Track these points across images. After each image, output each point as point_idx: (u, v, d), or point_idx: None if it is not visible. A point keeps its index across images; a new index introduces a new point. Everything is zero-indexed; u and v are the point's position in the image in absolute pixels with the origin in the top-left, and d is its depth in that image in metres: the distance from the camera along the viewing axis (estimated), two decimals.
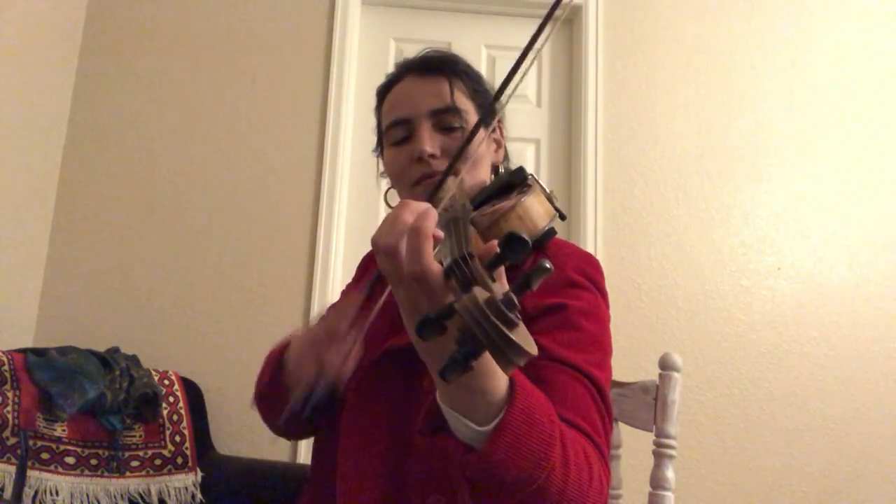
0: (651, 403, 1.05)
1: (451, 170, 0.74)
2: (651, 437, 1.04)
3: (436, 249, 0.52)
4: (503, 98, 0.74)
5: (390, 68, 0.92)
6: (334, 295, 2.22)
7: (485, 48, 2.51)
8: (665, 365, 1.05)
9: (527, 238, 0.43)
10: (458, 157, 0.75)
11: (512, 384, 0.56)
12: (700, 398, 2.24)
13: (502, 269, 0.50)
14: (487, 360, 0.52)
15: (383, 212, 2.37)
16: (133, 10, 2.39)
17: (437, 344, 0.50)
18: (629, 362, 2.21)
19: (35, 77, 2.12)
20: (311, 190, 2.30)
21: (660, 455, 1.03)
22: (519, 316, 0.42)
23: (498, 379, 0.54)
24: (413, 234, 0.51)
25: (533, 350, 0.42)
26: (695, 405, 2.23)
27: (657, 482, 1.02)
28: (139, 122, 2.32)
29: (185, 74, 2.36)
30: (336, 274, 2.25)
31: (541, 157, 2.46)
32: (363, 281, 0.88)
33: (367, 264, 1.14)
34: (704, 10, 2.52)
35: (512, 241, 0.43)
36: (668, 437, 1.02)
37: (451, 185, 0.75)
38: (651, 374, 1.08)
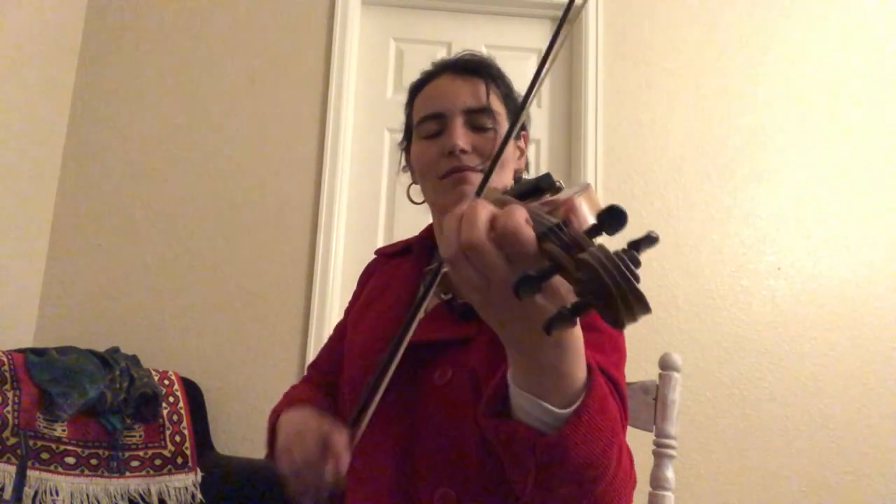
0: (651, 403, 1.05)
1: (493, 170, 0.73)
2: (651, 437, 1.04)
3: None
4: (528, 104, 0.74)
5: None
6: (334, 295, 2.22)
7: (485, 48, 2.50)
8: (665, 365, 1.05)
9: (625, 210, 0.43)
10: (500, 153, 0.74)
11: (590, 370, 0.56)
12: (700, 398, 2.24)
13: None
14: (577, 339, 0.53)
15: (384, 212, 2.37)
16: (133, 10, 2.39)
17: (530, 308, 0.48)
18: (629, 362, 2.19)
19: (35, 78, 2.12)
20: (311, 190, 2.30)
21: (660, 455, 1.03)
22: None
23: (581, 364, 0.55)
24: (505, 229, 0.48)
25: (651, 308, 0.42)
26: (695, 405, 2.23)
27: (657, 482, 1.02)
28: (139, 122, 2.32)
29: (185, 74, 2.36)
30: (336, 274, 2.25)
31: (541, 157, 2.46)
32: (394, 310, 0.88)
33: (369, 274, 1.13)
34: (704, 11, 2.52)
35: (613, 212, 0.43)
36: (668, 437, 1.02)
37: (481, 184, 0.74)
38: (651, 374, 1.08)
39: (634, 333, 2.24)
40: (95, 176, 2.28)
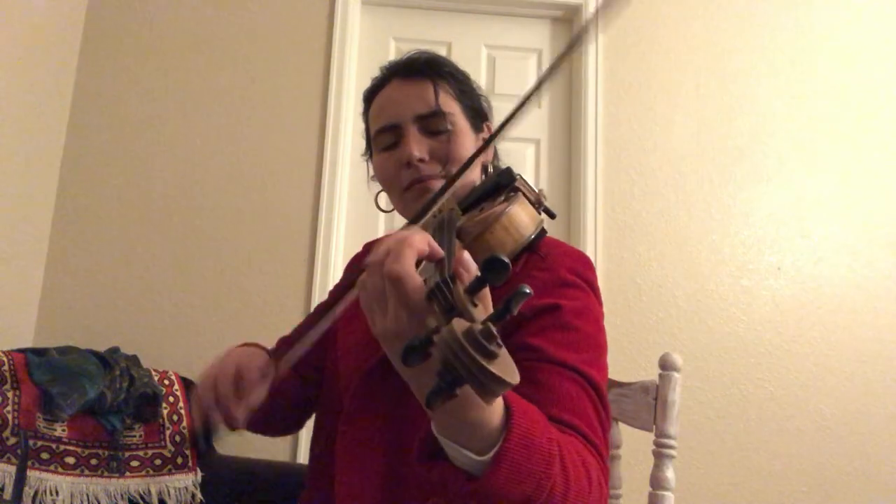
0: (651, 403, 1.05)
1: (446, 190, 0.74)
2: (651, 437, 1.04)
3: (419, 268, 0.52)
4: (504, 130, 0.73)
5: (371, 80, 0.92)
6: None
7: (485, 48, 2.51)
8: (665, 365, 1.05)
9: (507, 260, 0.43)
10: (453, 180, 0.75)
11: (507, 407, 0.55)
12: (700, 398, 2.24)
13: (486, 290, 0.50)
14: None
15: (381, 212, 2.37)
16: (133, 10, 2.39)
17: (423, 371, 0.49)
18: (629, 362, 2.21)
19: (35, 77, 2.12)
20: (311, 190, 2.30)
21: (660, 455, 1.03)
22: (500, 344, 0.42)
23: (493, 409, 0.54)
24: (398, 242, 0.51)
25: (514, 379, 0.42)
26: (695, 405, 2.23)
27: (657, 482, 1.02)
28: (139, 122, 2.32)
29: (185, 74, 2.36)
30: (336, 274, 2.25)
31: (541, 157, 2.46)
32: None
33: (359, 265, 1.12)
34: (704, 11, 2.52)
35: (493, 265, 0.44)
36: (668, 437, 1.02)
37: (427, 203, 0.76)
38: (651, 374, 1.08)
39: (634, 333, 2.25)
40: (95, 176, 2.28)
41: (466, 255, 0.53)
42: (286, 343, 1.11)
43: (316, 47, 2.39)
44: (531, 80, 2.51)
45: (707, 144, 2.43)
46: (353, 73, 2.40)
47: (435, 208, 0.73)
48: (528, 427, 0.56)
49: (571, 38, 0.74)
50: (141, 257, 2.23)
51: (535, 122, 2.48)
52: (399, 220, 2.51)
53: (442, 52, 2.46)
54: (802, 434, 2.25)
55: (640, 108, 2.44)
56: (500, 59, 2.49)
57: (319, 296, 2.20)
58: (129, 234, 2.25)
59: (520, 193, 0.79)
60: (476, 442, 0.54)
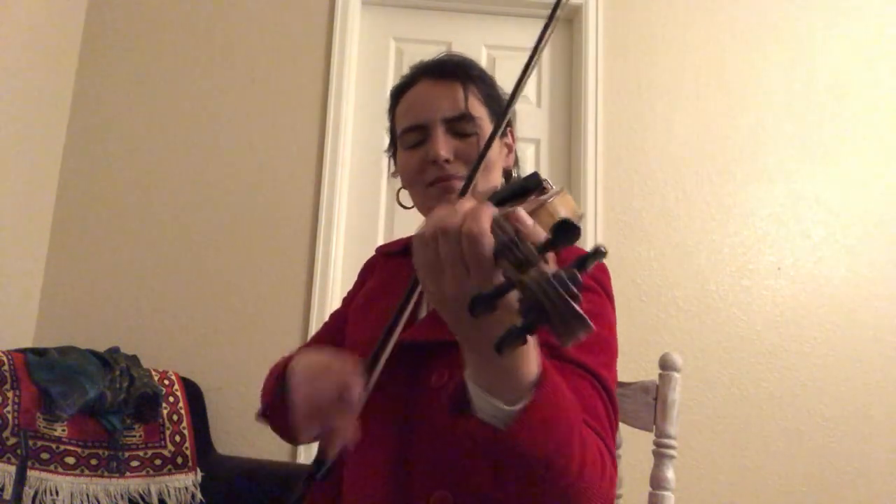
0: (651, 403, 1.05)
1: (474, 177, 0.74)
2: (651, 437, 1.04)
3: None
4: (514, 102, 0.75)
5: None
6: (334, 295, 2.22)
7: (485, 48, 2.51)
8: (665, 365, 1.05)
9: (578, 225, 0.46)
10: (476, 169, 0.75)
11: (541, 369, 0.58)
12: (700, 398, 2.24)
13: (552, 254, 0.52)
14: (530, 341, 0.55)
15: (384, 212, 2.37)
16: (133, 10, 2.39)
17: (483, 322, 0.51)
18: (629, 362, 2.21)
19: (35, 77, 2.12)
20: (311, 190, 2.30)
21: (660, 455, 1.03)
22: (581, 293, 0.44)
23: (532, 362, 0.57)
24: (473, 210, 0.53)
25: (592, 326, 0.44)
26: (695, 405, 2.23)
27: (657, 482, 1.02)
28: (139, 122, 2.32)
29: (185, 75, 2.36)
30: (336, 275, 2.25)
31: (541, 157, 2.46)
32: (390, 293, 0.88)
33: (370, 268, 1.12)
34: (704, 10, 2.52)
35: (565, 226, 0.46)
36: (668, 437, 1.02)
37: (462, 190, 0.76)
38: (651, 374, 1.08)
39: (634, 333, 2.25)
40: (95, 176, 2.28)
41: (521, 211, 0.55)
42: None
43: (316, 47, 2.39)
44: (531, 80, 2.51)
45: (707, 144, 2.43)
46: (353, 73, 2.40)
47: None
48: (558, 389, 0.59)
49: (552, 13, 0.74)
50: (141, 257, 2.23)
51: (535, 122, 2.48)
52: (399, 225, 2.50)
53: (442, 52, 2.46)
54: (802, 434, 2.25)
55: (640, 108, 2.44)
56: (500, 59, 2.49)
57: (319, 296, 2.20)
58: (129, 234, 2.25)
59: (563, 188, 0.80)
60: (510, 391, 0.56)
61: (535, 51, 0.74)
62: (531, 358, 0.56)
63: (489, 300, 0.46)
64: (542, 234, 0.53)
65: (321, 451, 0.74)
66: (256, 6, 2.41)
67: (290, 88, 2.36)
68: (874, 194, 2.44)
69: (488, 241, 0.50)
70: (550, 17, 0.74)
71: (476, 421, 0.58)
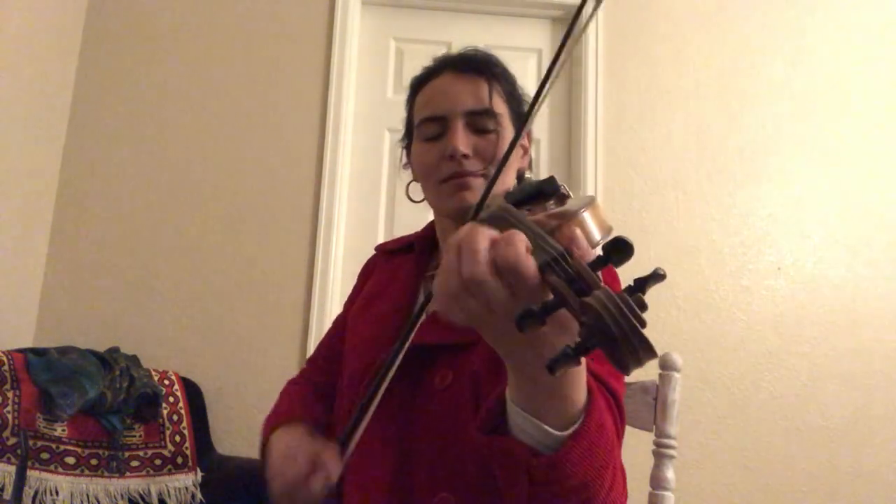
0: (651, 403, 1.05)
1: (495, 181, 0.71)
2: (651, 437, 1.04)
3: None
4: (535, 105, 0.73)
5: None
6: (334, 296, 2.22)
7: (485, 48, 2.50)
8: (665, 365, 1.05)
9: (631, 243, 0.44)
10: (500, 169, 0.73)
11: (590, 392, 0.56)
12: (700, 398, 2.24)
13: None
14: (581, 367, 0.52)
15: (384, 212, 2.37)
16: (133, 10, 2.39)
17: (533, 339, 0.48)
18: None
19: (35, 77, 2.12)
20: (311, 190, 2.30)
21: (660, 455, 1.03)
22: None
23: (583, 386, 0.54)
24: (507, 262, 0.47)
25: (658, 353, 0.42)
26: (695, 405, 2.23)
27: (657, 482, 1.02)
28: (139, 122, 2.32)
29: (185, 74, 2.36)
30: (336, 274, 2.25)
31: (541, 157, 2.46)
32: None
33: (369, 270, 1.12)
34: (704, 11, 2.52)
35: (619, 245, 0.43)
36: (668, 437, 1.02)
37: (482, 197, 0.74)
38: (651, 374, 1.08)
39: None
40: (95, 176, 2.28)
41: (579, 232, 0.52)
42: (312, 362, 1.11)
43: (316, 47, 2.39)
44: (531, 80, 2.51)
45: (707, 144, 2.43)
46: (353, 73, 2.40)
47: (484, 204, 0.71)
48: (602, 412, 0.57)
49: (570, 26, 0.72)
50: (141, 257, 2.23)
51: (536, 122, 2.48)
52: (399, 226, 2.50)
53: (442, 52, 2.45)
54: (802, 434, 2.25)
55: (640, 108, 2.44)
56: (500, 60, 2.48)
57: (319, 296, 2.20)
58: (128, 234, 2.25)
59: (594, 199, 0.78)
60: (558, 416, 0.54)
61: (560, 51, 0.71)
62: (582, 381, 0.54)
63: (539, 315, 0.43)
64: (588, 250, 0.51)
65: None
66: (256, 6, 2.41)
67: (290, 88, 2.36)
68: (874, 194, 2.44)
69: (529, 264, 0.46)
70: (574, 21, 0.72)
71: (515, 442, 0.55)
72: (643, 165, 2.40)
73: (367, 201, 2.38)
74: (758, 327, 2.31)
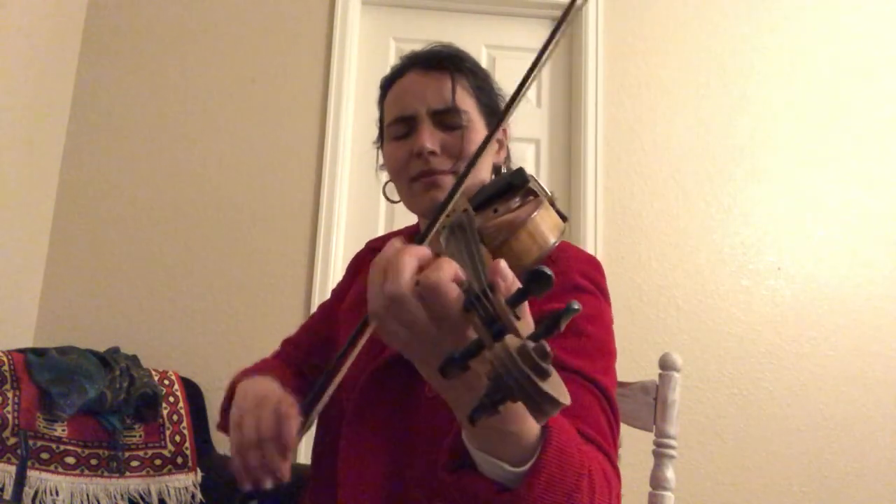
0: (651, 403, 1.05)
1: (465, 178, 0.71)
2: (651, 437, 1.04)
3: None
4: (513, 104, 0.72)
5: (390, 68, 0.91)
6: None
7: (485, 48, 2.51)
8: (665, 365, 1.05)
9: (551, 274, 0.42)
10: (465, 174, 0.72)
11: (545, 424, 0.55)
12: (700, 398, 2.24)
13: (526, 304, 0.49)
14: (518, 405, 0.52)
15: (384, 212, 2.37)
16: (133, 10, 2.39)
17: (460, 383, 0.48)
18: (629, 362, 2.21)
19: (35, 77, 2.12)
20: (311, 190, 2.30)
21: (660, 455, 1.03)
22: (551, 364, 0.41)
23: (529, 421, 0.53)
24: (429, 284, 0.47)
25: (566, 400, 0.41)
26: (695, 405, 2.23)
27: (657, 482, 1.02)
28: (139, 122, 2.32)
29: (185, 74, 2.36)
30: (336, 274, 2.25)
31: (541, 157, 2.46)
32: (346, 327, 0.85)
33: (357, 266, 1.12)
34: (704, 11, 2.52)
35: (538, 277, 0.43)
36: (668, 437, 1.02)
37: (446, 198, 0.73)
38: (651, 374, 1.08)
39: (634, 333, 2.25)
40: (95, 176, 2.28)
41: (503, 263, 0.51)
42: (291, 344, 1.11)
43: (316, 47, 2.39)
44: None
45: (707, 144, 2.43)
46: (353, 73, 2.40)
47: (448, 208, 0.71)
48: (564, 441, 0.55)
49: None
50: (141, 257, 2.23)
51: (535, 122, 2.48)
52: (399, 222, 2.51)
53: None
54: (802, 434, 2.25)
55: (640, 108, 2.44)
56: (500, 59, 2.49)
57: (319, 296, 2.20)
58: (128, 233, 2.24)
59: (543, 198, 0.76)
60: (511, 454, 0.53)
61: (542, 52, 0.72)
62: (526, 417, 0.51)
63: (460, 362, 0.42)
64: (516, 284, 0.50)
65: (254, 485, 0.73)
66: (256, 6, 2.41)
67: (290, 88, 2.36)
68: (874, 194, 2.44)
69: (452, 293, 0.46)
70: (561, 20, 0.72)
71: (479, 479, 0.54)
72: (643, 165, 2.40)
73: (366, 201, 2.38)
74: (758, 327, 2.31)
